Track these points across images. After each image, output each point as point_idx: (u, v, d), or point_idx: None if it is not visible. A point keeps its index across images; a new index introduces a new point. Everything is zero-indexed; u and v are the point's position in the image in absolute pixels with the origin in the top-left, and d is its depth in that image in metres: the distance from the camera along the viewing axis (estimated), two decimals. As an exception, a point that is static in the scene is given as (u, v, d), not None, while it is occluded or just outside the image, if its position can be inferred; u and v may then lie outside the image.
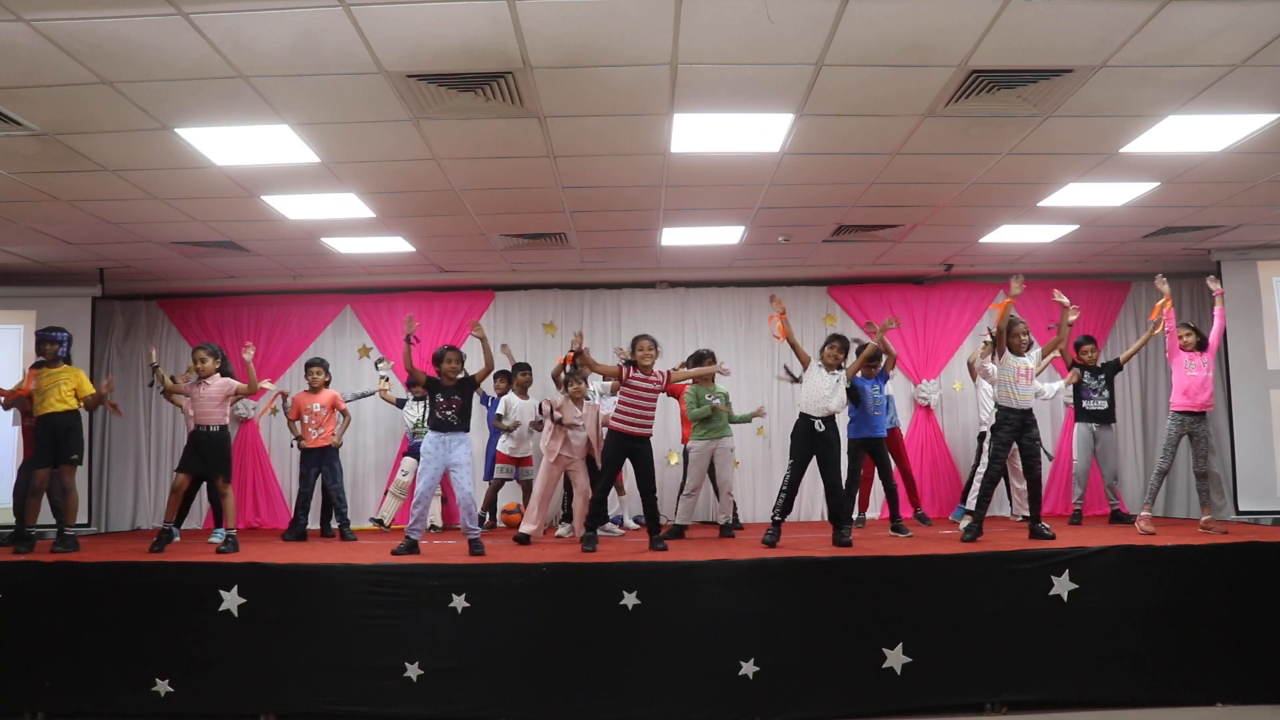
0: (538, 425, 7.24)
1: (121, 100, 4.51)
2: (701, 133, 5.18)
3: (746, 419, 7.19)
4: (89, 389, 6.29)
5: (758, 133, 5.20)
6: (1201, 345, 6.39)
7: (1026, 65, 4.36)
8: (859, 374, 6.64)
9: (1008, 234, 7.63)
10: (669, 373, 6.15)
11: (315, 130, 5.05)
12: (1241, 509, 8.15)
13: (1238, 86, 4.59)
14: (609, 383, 7.23)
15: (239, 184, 5.88)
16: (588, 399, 6.80)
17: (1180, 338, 6.39)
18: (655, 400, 6.03)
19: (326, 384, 7.32)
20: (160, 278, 8.67)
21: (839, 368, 6.04)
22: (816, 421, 5.91)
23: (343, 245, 7.64)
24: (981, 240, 7.82)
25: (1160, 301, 6.45)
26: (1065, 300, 6.17)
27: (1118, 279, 9.15)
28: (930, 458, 8.85)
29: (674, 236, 7.58)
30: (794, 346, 6.07)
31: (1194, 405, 6.33)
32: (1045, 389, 7.03)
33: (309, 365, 7.33)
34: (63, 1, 3.58)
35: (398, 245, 7.68)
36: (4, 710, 5.06)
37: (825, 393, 5.92)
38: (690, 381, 6.73)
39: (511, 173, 5.82)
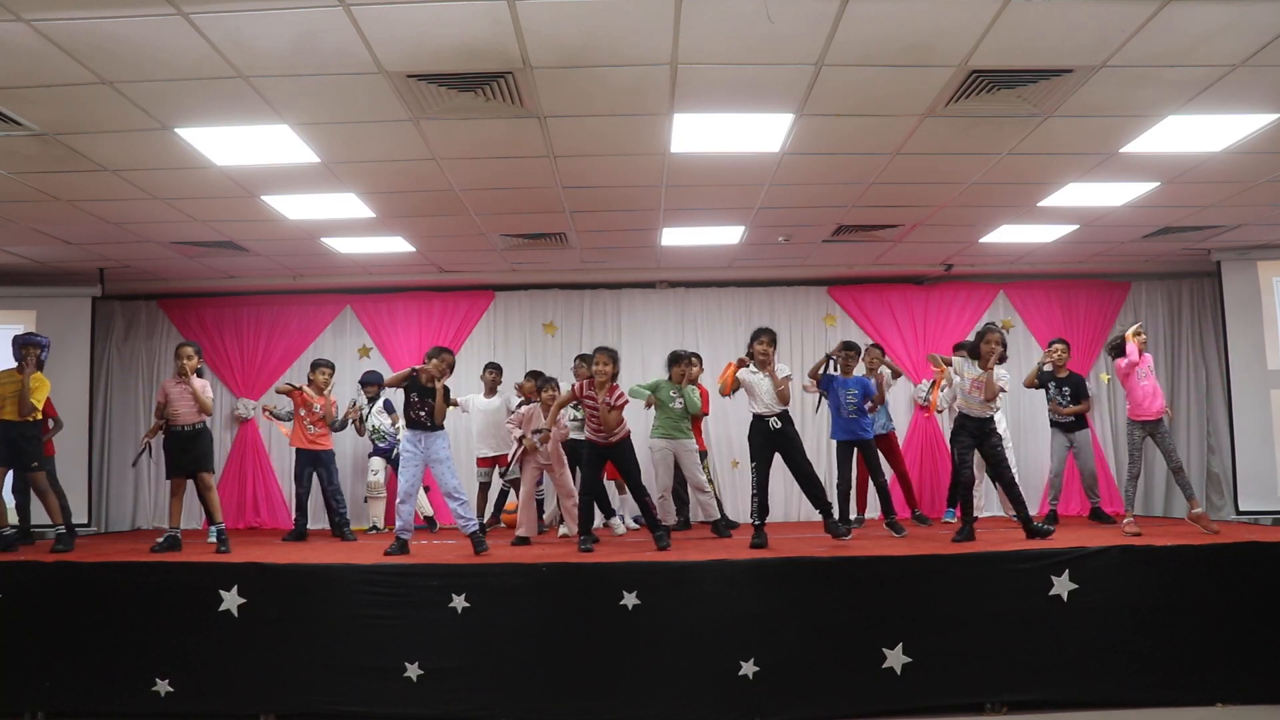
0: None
1: (121, 100, 4.51)
2: (701, 133, 5.18)
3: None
4: (45, 394, 6.30)
5: (758, 133, 5.20)
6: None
7: (1026, 65, 4.36)
8: (835, 370, 6.66)
9: (1008, 234, 7.63)
10: (623, 400, 5.95)
11: (315, 130, 5.05)
12: (1241, 509, 8.15)
13: (1238, 86, 4.59)
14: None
15: (239, 184, 5.88)
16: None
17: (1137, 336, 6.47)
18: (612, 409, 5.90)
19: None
20: (160, 278, 8.67)
21: (769, 363, 5.95)
22: (771, 420, 5.89)
23: (343, 245, 7.64)
24: (981, 240, 7.83)
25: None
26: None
27: (1118, 279, 9.15)
28: (930, 458, 8.84)
29: (674, 236, 7.58)
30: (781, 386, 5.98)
31: (1150, 415, 6.43)
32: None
33: (318, 364, 7.18)
34: (63, 1, 3.58)
35: (398, 245, 7.68)
36: (4, 710, 5.06)
37: (770, 389, 5.88)
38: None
39: (511, 173, 5.82)
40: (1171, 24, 3.93)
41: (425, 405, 5.88)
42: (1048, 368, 7.20)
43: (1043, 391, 7.35)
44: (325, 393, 7.09)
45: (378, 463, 7.94)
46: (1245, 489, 8.16)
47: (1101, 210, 6.94)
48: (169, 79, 4.29)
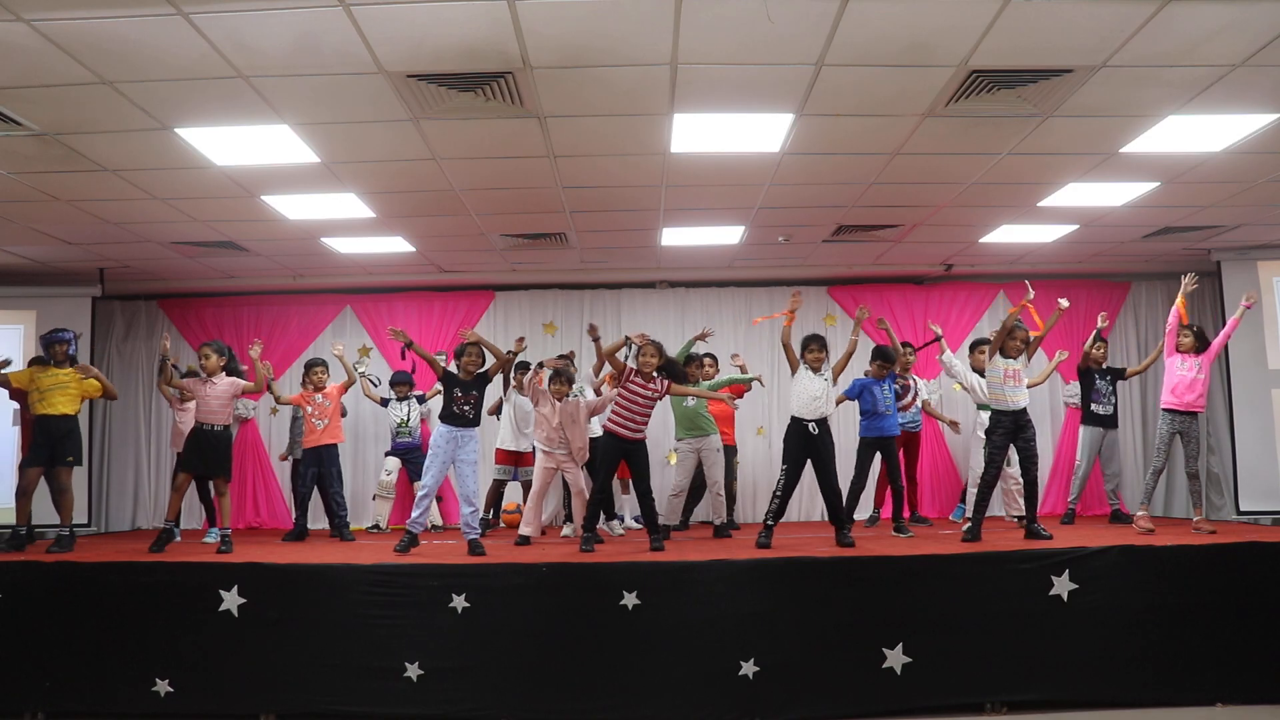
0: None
1: (121, 100, 4.52)
2: (701, 133, 5.18)
3: (746, 380, 7.32)
4: (96, 392, 6.32)
5: (758, 133, 5.20)
6: (1199, 349, 6.40)
7: (1026, 65, 4.36)
8: (867, 375, 6.66)
9: (1008, 234, 7.63)
10: (669, 384, 5.98)
11: (315, 130, 5.05)
12: (1241, 509, 8.14)
13: (1238, 86, 4.59)
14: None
15: (239, 184, 5.88)
16: (570, 397, 6.65)
17: (1179, 338, 6.41)
18: (652, 407, 5.94)
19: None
20: (160, 278, 8.67)
21: (822, 368, 6.00)
22: (810, 424, 5.87)
23: (343, 245, 7.64)
24: (981, 240, 7.83)
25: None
26: (1064, 303, 6.22)
27: (1118, 279, 9.16)
28: (930, 458, 8.84)
29: (674, 236, 7.58)
30: (788, 349, 6.08)
31: (1180, 404, 6.36)
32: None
33: (311, 365, 7.24)
34: (63, 1, 3.58)
35: (398, 245, 7.68)
36: (4, 710, 5.06)
37: (816, 394, 5.90)
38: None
39: (511, 173, 5.82)
40: (1171, 24, 3.93)
41: (469, 399, 5.86)
42: (1098, 350, 7.29)
43: (1075, 386, 7.44)
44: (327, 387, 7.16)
45: (393, 463, 7.92)
46: (1245, 489, 8.16)
47: (1101, 210, 6.94)
48: (169, 79, 4.29)
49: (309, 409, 7.07)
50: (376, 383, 8.20)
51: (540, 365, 6.49)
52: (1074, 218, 7.19)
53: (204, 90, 4.43)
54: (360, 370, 8.16)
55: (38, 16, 3.68)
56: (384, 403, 8.10)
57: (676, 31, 3.96)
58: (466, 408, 5.86)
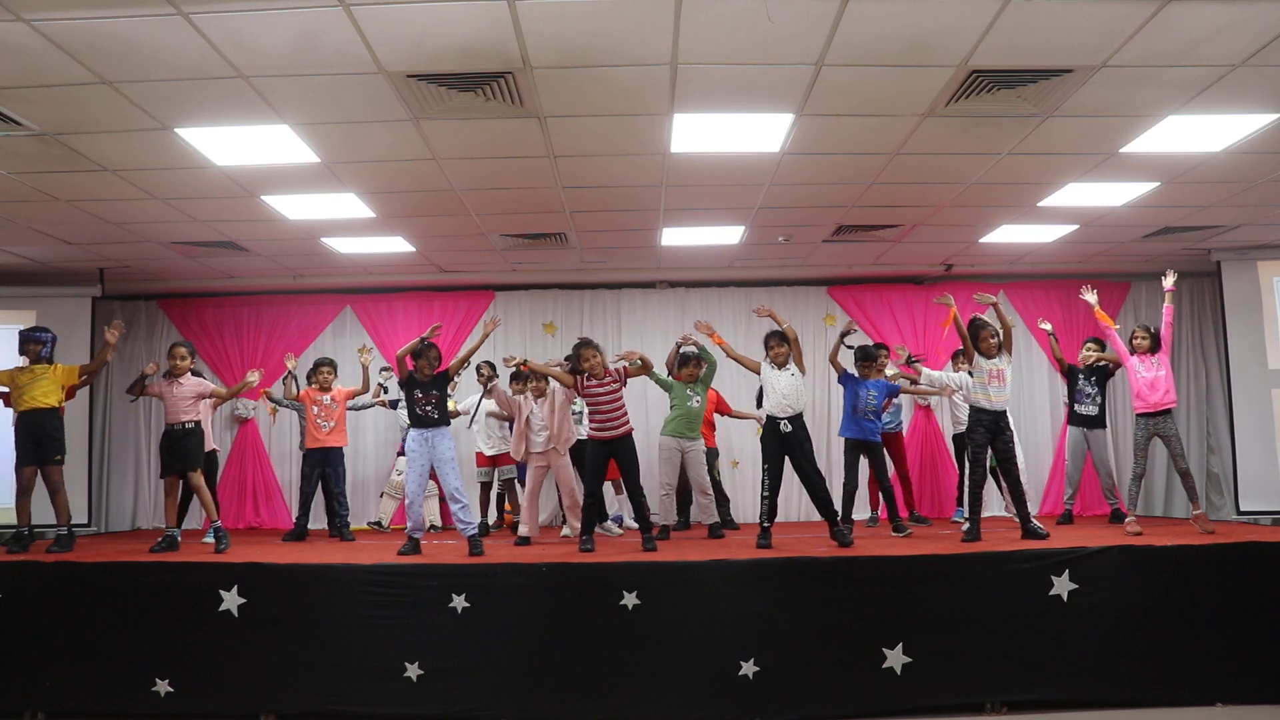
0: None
1: (121, 100, 4.52)
2: (701, 133, 5.18)
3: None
4: (74, 379, 6.32)
5: (758, 133, 5.20)
6: (1155, 348, 6.45)
7: (1026, 65, 4.36)
8: (854, 373, 6.66)
9: (1008, 234, 7.63)
10: (623, 369, 6.14)
11: (315, 130, 5.05)
12: (1241, 509, 8.15)
13: (1238, 86, 4.59)
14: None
15: (239, 184, 5.88)
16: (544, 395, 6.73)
17: (1135, 340, 6.47)
18: (619, 397, 6.05)
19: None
20: (160, 278, 8.67)
21: (787, 363, 6.01)
22: (782, 422, 5.89)
23: (343, 245, 7.64)
24: (981, 240, 7.83)
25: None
26: (991, 298, 6.24)
27: (1118, 279, 9.15)
28: (930, 457, 8.85)
29: (674, 236, 7.58)
30: (738, 359, 6.22)
31: (1149, 406, 6.39)
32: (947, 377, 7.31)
33: (318, 364, 7.24)
34: (63, 1, 3.58)
35: (398, 245, 7.68)
36: (4, 710, 5.06)
37: (785, 391, 5.91)
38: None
39: (511, 173, 5.82)
40: (1171, 24, 3.93)
41: (431, 399, 5.90)
42: (1091, 351, 7.24)
43: (1065, 387, 7.41)
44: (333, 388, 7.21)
45: (403, 463, 7.90)
46: (1245, 489, 8.16)
47: (1101, 210, 6.94)
48: (169, 79, 4.29)
49: (314, 410, 7.06)
50: (388, 393, 8.13)
51: (489, 384, 6.80)
52: (1074, 218, 7.19)
53: (204, 90, 4.43)
54: (381, 383, 8.09)
55: (38, 16, 3.68)
56: (393, 405, 8.08)
57: (676, 31, 3.96)
58: (429, 408, 5.91)
